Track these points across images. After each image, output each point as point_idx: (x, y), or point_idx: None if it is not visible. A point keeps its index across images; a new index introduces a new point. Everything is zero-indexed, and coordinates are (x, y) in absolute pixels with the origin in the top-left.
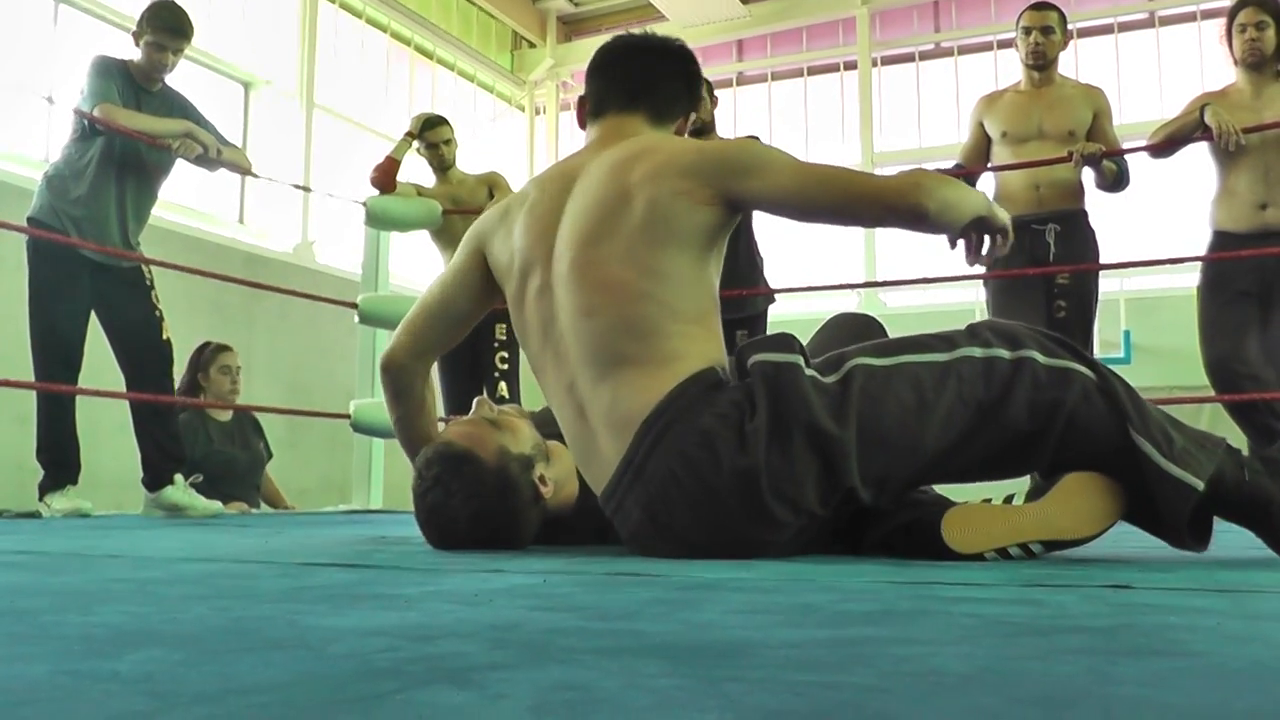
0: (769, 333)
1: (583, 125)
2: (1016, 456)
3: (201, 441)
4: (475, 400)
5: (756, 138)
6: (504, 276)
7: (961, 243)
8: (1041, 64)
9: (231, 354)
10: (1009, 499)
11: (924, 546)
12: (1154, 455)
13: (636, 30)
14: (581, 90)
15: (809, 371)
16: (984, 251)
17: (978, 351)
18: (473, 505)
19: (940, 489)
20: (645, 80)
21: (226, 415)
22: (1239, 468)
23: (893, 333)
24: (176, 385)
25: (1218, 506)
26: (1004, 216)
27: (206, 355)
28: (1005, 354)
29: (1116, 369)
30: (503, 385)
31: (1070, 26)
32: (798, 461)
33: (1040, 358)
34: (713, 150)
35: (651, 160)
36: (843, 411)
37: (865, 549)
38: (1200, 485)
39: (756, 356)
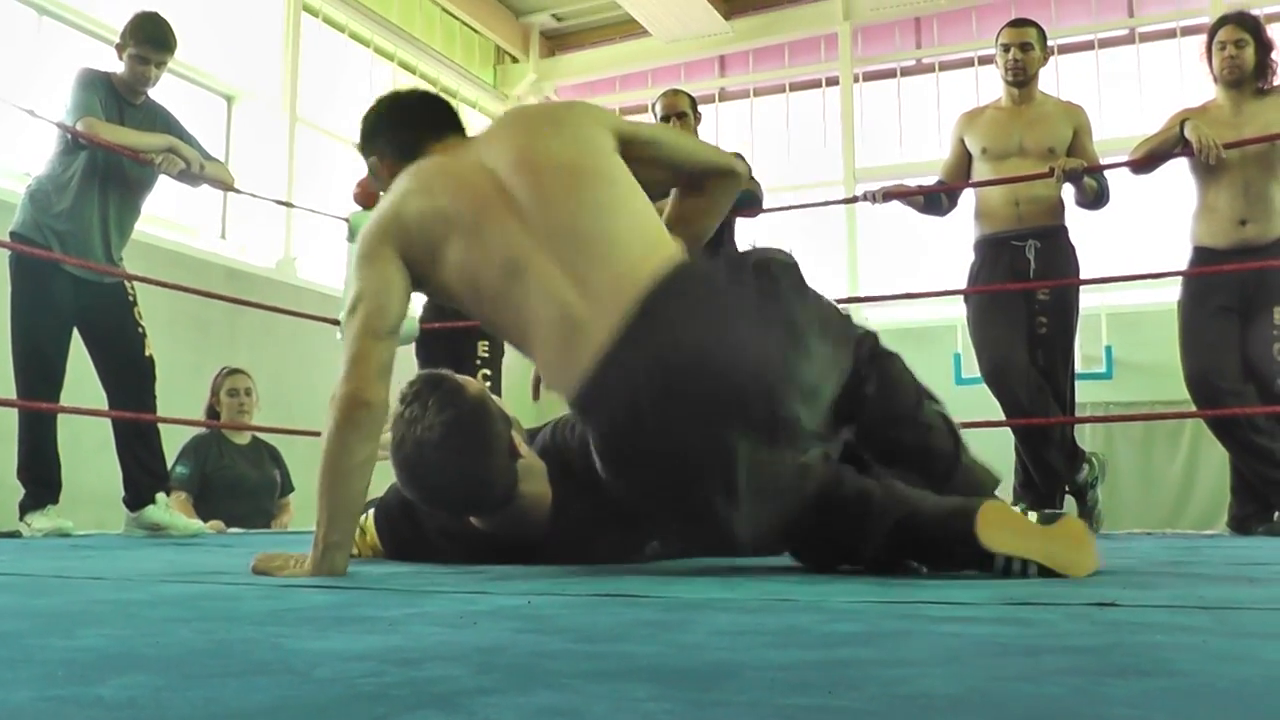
0: None
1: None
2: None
3: (213, 458)
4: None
5: (740, 155)
6: (435, 248)
7: None
8: (1021, 80)
9: (240, 377)
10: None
11: (944, 529)
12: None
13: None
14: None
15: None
16: None
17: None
18: (447, 415)
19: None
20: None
21: (245, 439)
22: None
23: None
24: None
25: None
26: None
27: (218, 379)
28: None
29: (1099, 384)
30: (485, 374)
31: (1050, 43)
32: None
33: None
34: None
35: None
36: None
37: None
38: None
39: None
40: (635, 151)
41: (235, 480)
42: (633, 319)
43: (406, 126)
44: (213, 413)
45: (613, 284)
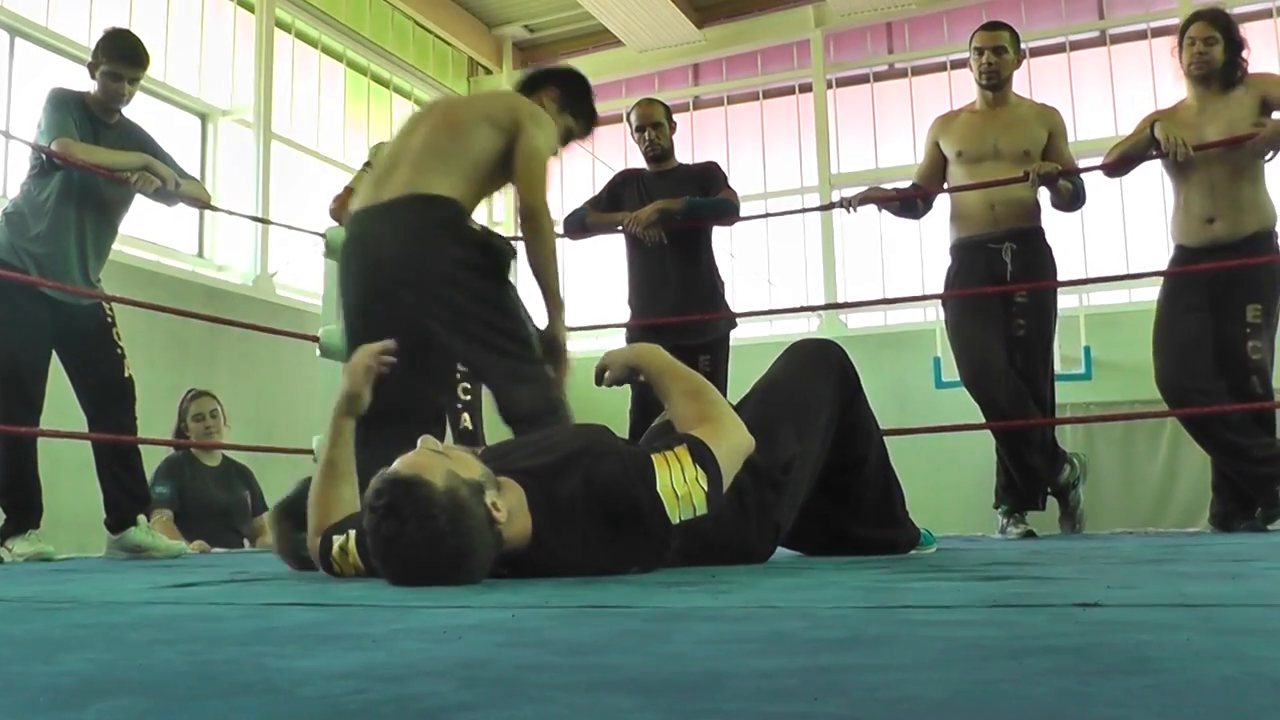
0: (730, 358)
1: None
2: None
3: (185, 479)
4: (420, 438)
5: (715, 164)
6: None
7: None
8: (995, 83)
9: (205, 399)
10: None
11: None
12: None
13: None
14: None
15: None
16: None
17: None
18: (428, 527)
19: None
20: None
21: (215, 460)
22: None
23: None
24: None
25: None
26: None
27: (185, 402)
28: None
29: (1079, 385)
30: (466, 417)
31: (1022, 46)
32: None
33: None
34: None
35: None
36: None
37: None
38: None
39: None
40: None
41: (206, 502)
42: None
43: None
44: (180, 435)
45: None
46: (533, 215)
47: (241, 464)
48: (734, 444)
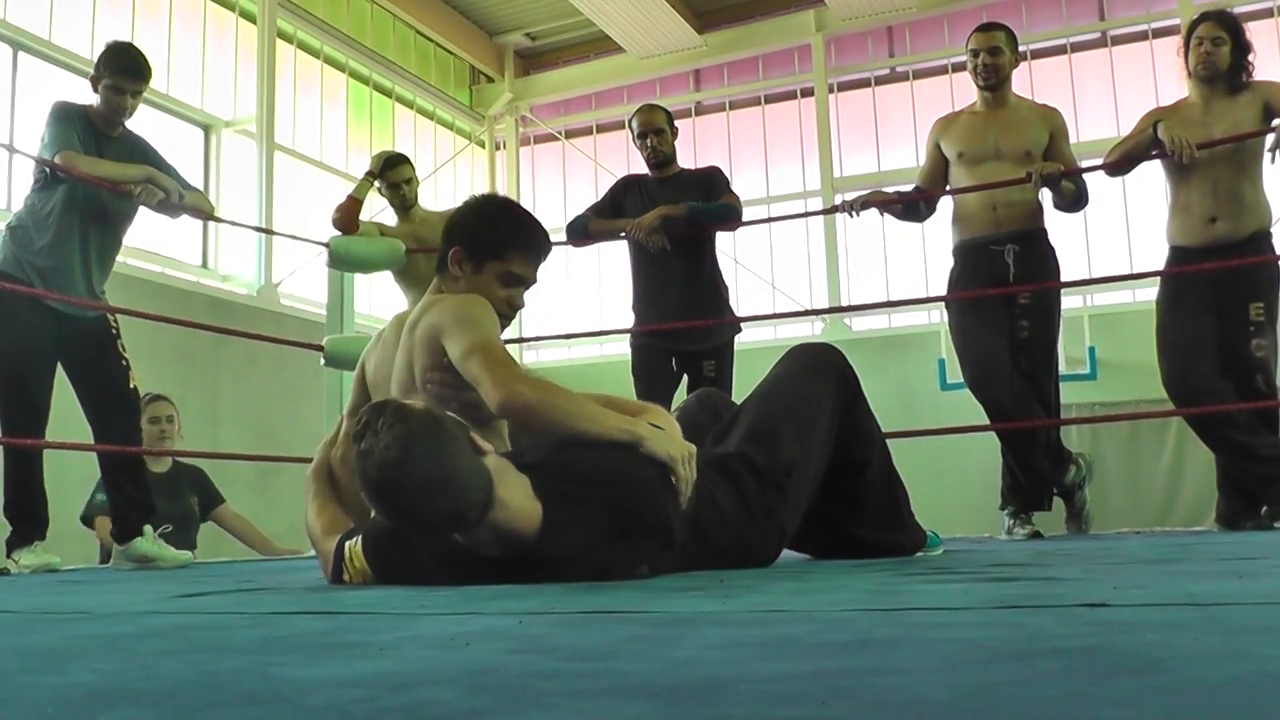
0: (734, 363)
1: None
2: None
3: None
4: None
5: (717, 169)
6: None
7: None
8: (993, 84)
9: (162, 404)
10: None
11: None
12: None
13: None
14: (541, 124)
15: None
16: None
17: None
18: (398, 431)
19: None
20: None
21: (163, 466)
22: None
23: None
24: None
25: None
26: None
27: (140, 403)
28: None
29: (1083, 386)
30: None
31: (1023, 47)
32: None
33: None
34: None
35: None
36: None
37: None
38: None
39: None
40: None
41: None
42: None
43: None
44: None
45: None
46: (509, 409)
47: (193, 466)
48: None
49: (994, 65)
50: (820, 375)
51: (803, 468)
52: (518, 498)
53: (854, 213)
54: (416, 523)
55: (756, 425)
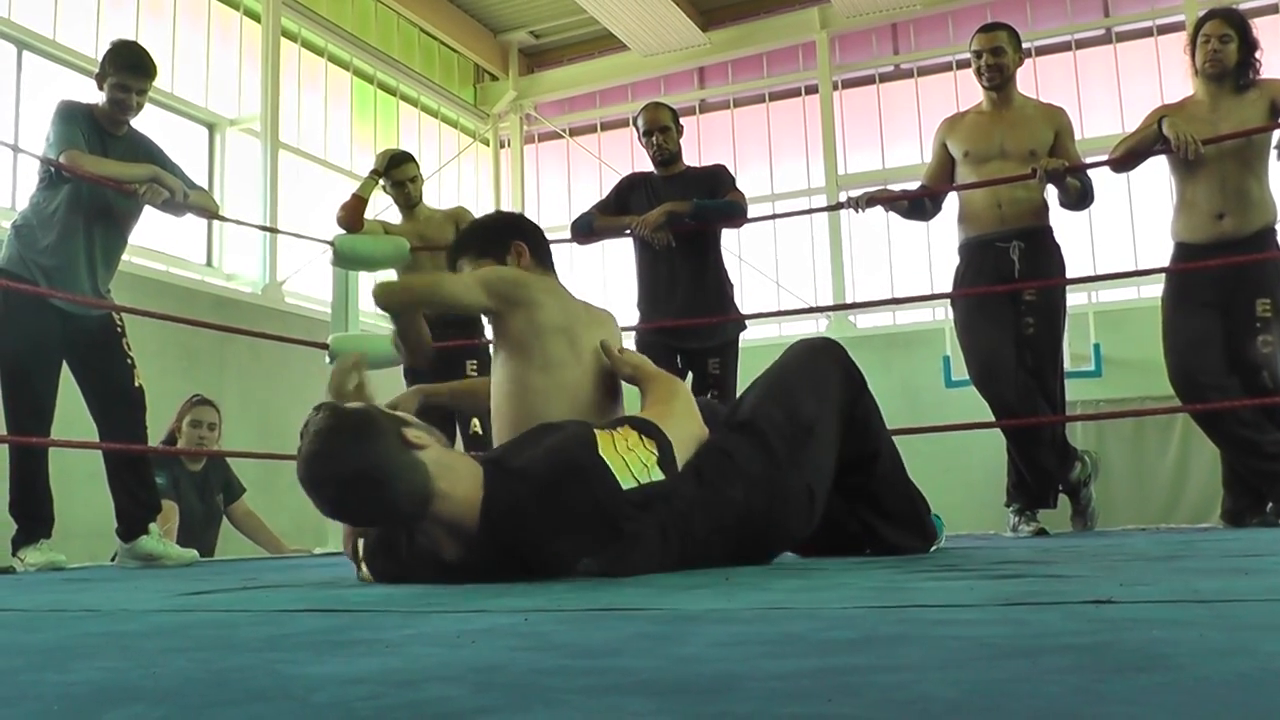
0: (739, 360)
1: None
2: None
3: (168, 485)
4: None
5: (722, 166)
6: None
7: None
8: (997, 84)
9: (207, 409)
10: None
11: None
12: None
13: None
14: (545, 122)
15: None
16: None
17: None
18: (323, 423)
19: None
20: None
21: (198, 465)
22: None
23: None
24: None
25: None
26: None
27: (185, 406)
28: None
29: (1089, 382)
30: (475, 422)
31: (1027, 44)
32: None
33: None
34: None
35: None
36: None
37: None
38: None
39: None
40: None
41: (186, 510)
42: None
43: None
44: (171, 438)
45: None
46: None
47: (219, 461)
48: (685, 426)
49: (997, 65)
50: (824, 370)
51: (822, 432)
52: (463, 489)
53: (859, 209)
54: (345, 516)
55: (771, 390)
